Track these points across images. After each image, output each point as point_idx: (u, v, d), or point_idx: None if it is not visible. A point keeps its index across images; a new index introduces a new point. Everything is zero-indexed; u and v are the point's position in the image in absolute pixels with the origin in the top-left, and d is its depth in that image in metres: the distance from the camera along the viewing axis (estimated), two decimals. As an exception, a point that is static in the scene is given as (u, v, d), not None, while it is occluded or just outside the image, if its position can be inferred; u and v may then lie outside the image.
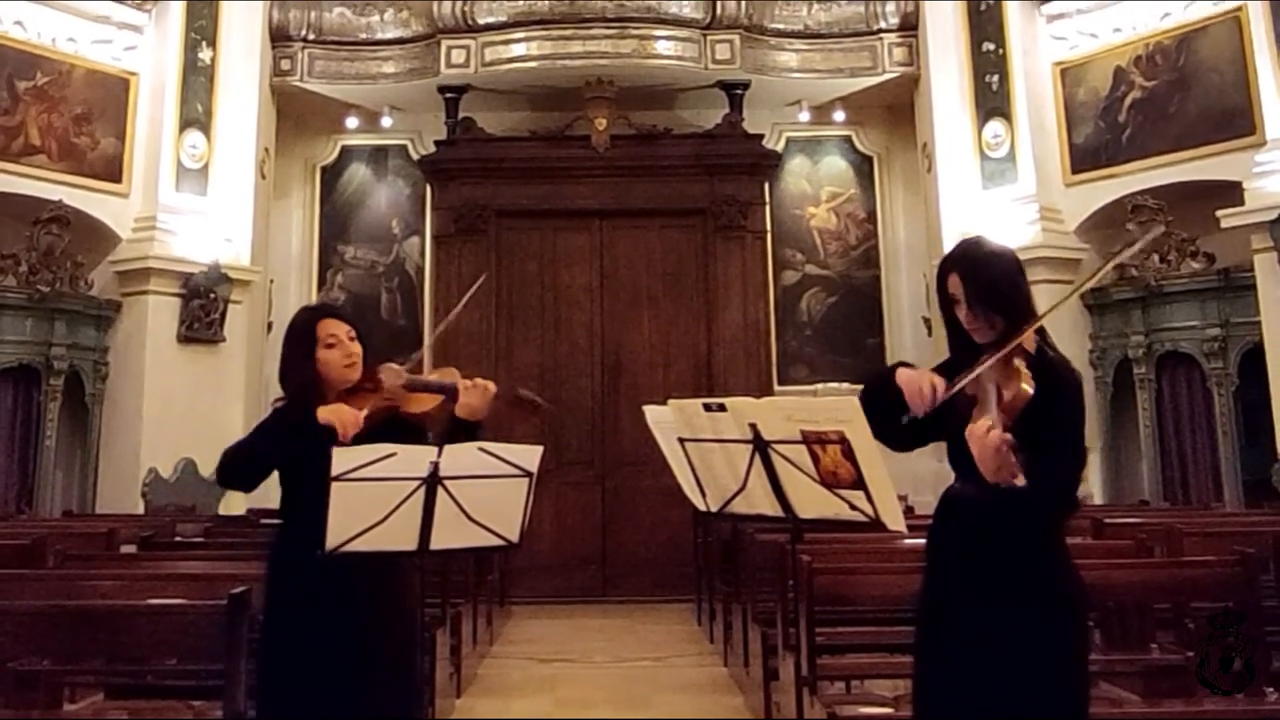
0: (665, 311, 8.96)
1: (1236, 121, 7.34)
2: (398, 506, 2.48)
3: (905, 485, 6.87)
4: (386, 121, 9.40)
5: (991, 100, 8.48)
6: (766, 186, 9.23)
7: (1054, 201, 8.28)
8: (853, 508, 2.31)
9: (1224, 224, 7.14)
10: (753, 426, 2.37)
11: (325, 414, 2.62)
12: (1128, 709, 3.43)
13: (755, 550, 4.83)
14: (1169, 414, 7.69)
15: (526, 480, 2.58)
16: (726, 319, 8.78)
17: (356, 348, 2.78)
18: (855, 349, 9.21)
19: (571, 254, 9.03)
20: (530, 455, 2.57)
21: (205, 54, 8.45)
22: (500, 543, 2.64)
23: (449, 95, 9.05)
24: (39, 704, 3.37)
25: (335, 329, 2.77)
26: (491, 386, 2.72)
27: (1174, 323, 7.58)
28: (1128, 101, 8.01)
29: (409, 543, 2.54)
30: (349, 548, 2.47)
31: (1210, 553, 3.88)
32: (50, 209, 7.66)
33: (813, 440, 2.28)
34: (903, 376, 2.15)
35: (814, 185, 9.62)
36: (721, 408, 2.44)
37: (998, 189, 8.38)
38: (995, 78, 8.47)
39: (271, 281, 9.10)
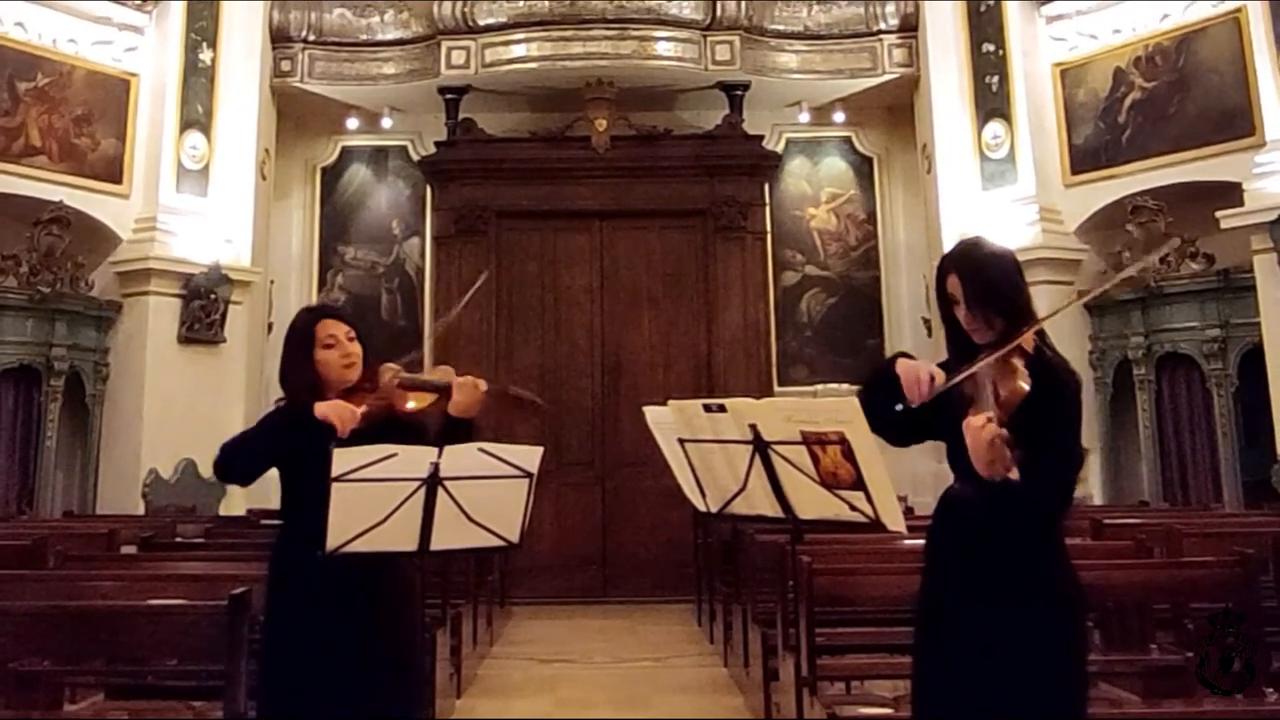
0: (665, 312, 8.96)
1: (1236, 122, 7.35)
2: (398, 507, 2.48)
3: (905, 486, 6.89)
4: (387, 122, 9.40)
5: (991, 101, 8.48)
6: (766, 187, 9.23)
7: (1054, 202, 8.28)
8: (853, 508, 2.31)
9: (1224, 225, 7.14)
10: (753, 427, 2.37)
11: (322, 409, 2.63)
12: (1127, 709, 3.44)
13: (755, 551, 4.83)
14: (1169, 415, 7.69)
15: (527, 481, 2.58)
16: (726, 320, 8.79)
17: (356, 348, 2.78)
18: (855, 350, 9.21)
19: (572, 255, 9.04)
20: (530, 456, 2.58)
21: (206, 55, 8.46)
22: (500, 543, 2.64)
23: (449, 96, 9.06)
24: (40, 704, 3.38)
25: (334, 329, 2.78)
26: (482, 384, 2.72)
27: (1174, 324, 7.58)
28: (1127, 102, 8.01)
29: (409, 543, 2.54)
30: (349, 548, 2.48)
31: (1210, 553, 3.89)
32: (51, 210, 7.66)
33: (813, 441, 2.28)
34: (902, 365, 2.16)
35: (814, 186, 9.62)
36: (721, 408, 2.44)
37: (997, 190, 8.38)
38: (995, 79, 8.48)
39: (272, 282, 9.10)
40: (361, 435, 2.59)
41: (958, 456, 2.12)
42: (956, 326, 2.26)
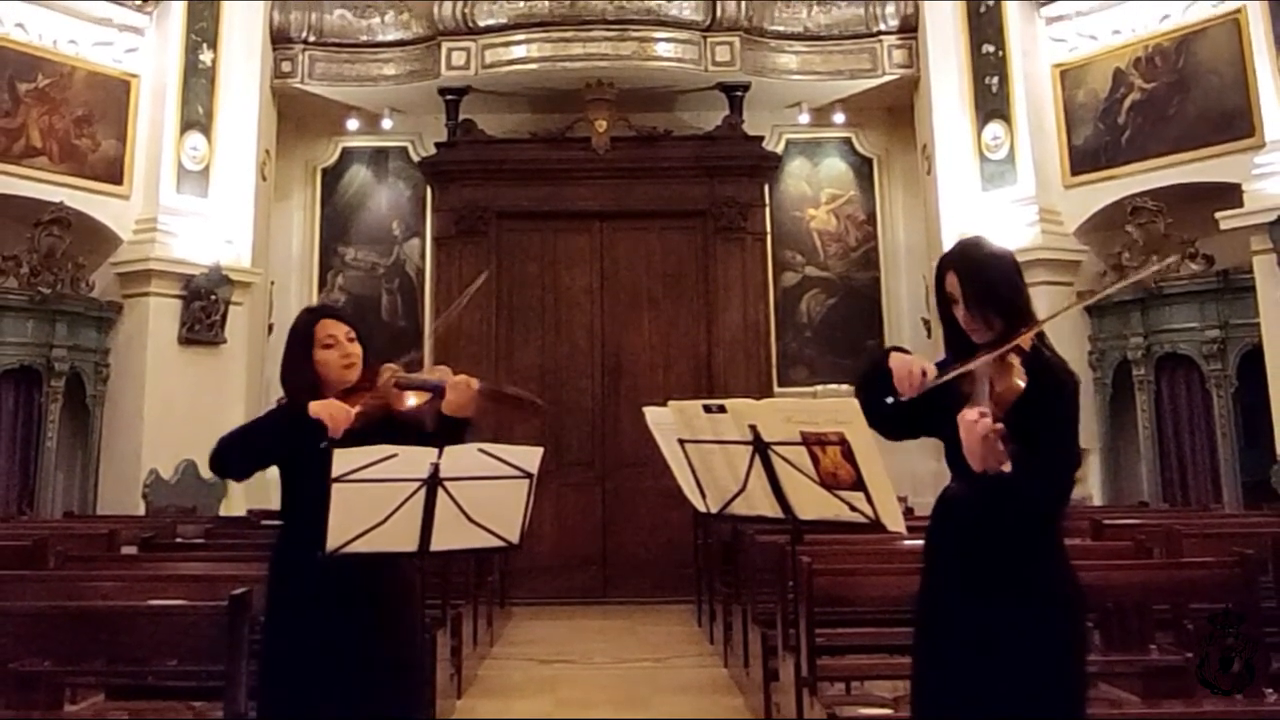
0: (665, 313, 8.97)
1: (1236, 123, 7.35)
2: (398, 508, 2.48)
3: (905, 486, 6.89)
4: (387, 123, 9.41)
5: (991, 102, 8.49)
6: (766, 188, 9.24)
7: (1053, 203, 8.29)
8: (853, 509, 2.31)
9: (1223, 226, 7.14)
10: (752, 428, 2.37)
11: (316, 408, 2.63)
12: (1127, 710, 3.44)
13: (755, 551, 4.84)
14: (1168, 416, 7.69)
15: (527, 481, 2.59)
16: (726, 320, 8.79)
17: (355, 348, 2.78)
18: (855, 350, 9.21)
19: (572, 255, 9.04)
20: (530, 456, 2.58)
21: (206, 56, 8.46)
22: (500, 544, 2.65)
23: (449, 97, 9.06)
24: (40, 705, 3.38)
25: (334, 330, 2.78)
26: (475, 382, 2.71)
27: (1173, 324, 7.58)
28: (1127, 103, 8.02)
29: (409, 544, 2.55)
30: (350, 549, 2.48)
31: (1209, 554, 3.89)
32: (51, 211, 7.67)
33: (812, 441, 2.28)
34: (894, 359, 2.17)
35: (814, 187, 9.63)
36: (721, 409, 2.44)
37: (997, 191, 8.39)
38: (995, 79, 8.48)
39: (272, 283, 9.11)
40: (358, 435, 2.59)
41: (955, 455, 2.12)
42: (955, 326, 2.26)
